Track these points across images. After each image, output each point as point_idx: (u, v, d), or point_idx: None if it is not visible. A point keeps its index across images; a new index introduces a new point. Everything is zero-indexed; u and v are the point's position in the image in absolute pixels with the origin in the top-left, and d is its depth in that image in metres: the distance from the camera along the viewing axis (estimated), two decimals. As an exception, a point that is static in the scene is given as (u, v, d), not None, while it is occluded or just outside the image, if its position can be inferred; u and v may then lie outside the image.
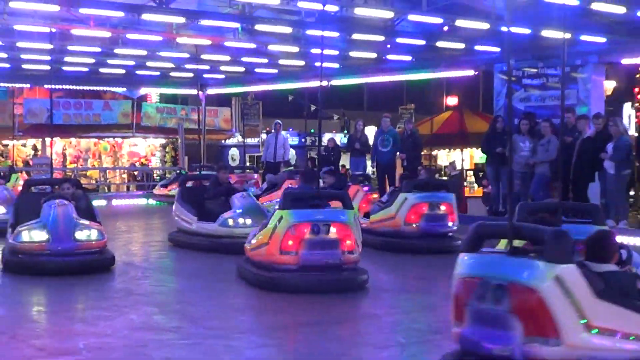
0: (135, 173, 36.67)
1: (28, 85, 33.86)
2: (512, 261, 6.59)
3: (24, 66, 28.81)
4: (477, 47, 23.58)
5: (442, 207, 15.82)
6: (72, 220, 13.17)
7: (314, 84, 31.60)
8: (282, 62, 28.12)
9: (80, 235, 13.12)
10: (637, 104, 25.26)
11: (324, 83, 30.43)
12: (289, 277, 11.42)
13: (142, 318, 10.22)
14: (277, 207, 12.12)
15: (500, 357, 6.43)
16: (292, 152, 35.04)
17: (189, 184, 18.03)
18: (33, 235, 12.92)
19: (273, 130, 26.56)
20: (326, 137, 29.31)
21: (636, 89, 25.91)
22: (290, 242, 11.40)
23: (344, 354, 8.62)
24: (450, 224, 15.78)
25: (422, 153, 25.81)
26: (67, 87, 33.67)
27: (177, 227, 16.80)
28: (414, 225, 15.59)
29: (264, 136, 36.97)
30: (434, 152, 36.11)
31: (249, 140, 38.15)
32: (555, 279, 6.27)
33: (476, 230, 6.99)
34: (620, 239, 16.51)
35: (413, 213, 15.69)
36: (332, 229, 11.52)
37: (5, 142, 36.50)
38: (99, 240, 13.34)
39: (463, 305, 6.65)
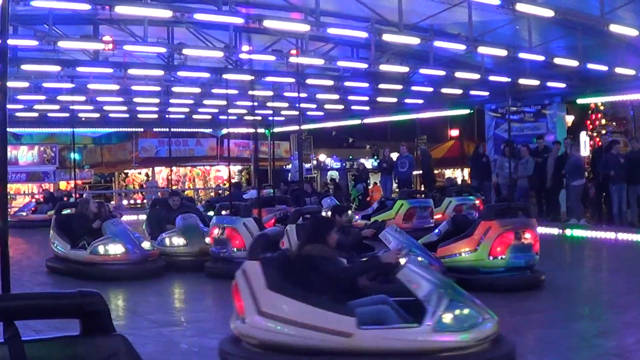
0: (220, 191, 36.87)
1: (141, 129, 34.24)
2: None
3: (139, 115, 29.19)
4: (472, 92, 23.54)
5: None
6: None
7: (351, 122, 31.76)
8: (326, 106, 28.22)
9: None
10: (589, 133, 25.14)
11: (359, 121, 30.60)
12: None
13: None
14: None
15: None
16: (335, 173, 35.06)
17: None
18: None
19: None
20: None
21: (588, 122, 25.82)
22: None
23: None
24: None
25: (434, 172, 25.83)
26: (170, 129, 34.02)
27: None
28: None
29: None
30: (442, 171, 36.00)
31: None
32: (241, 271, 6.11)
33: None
34: (580, 233, 16.45)
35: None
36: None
37: (126, 170, 37.04)
38: None
39: None
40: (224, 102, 26.38)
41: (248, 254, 6.25)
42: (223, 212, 12.67)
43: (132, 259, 11.81)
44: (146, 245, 12.35)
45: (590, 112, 25.67)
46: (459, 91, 23.35)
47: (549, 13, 13.96)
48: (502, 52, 17.17)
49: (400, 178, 22.85)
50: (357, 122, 31.11)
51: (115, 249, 11.75)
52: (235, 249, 11.81)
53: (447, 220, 11.62)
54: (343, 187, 33.09)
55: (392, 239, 9.17)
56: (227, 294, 10.24)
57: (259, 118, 32.12)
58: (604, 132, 24.59)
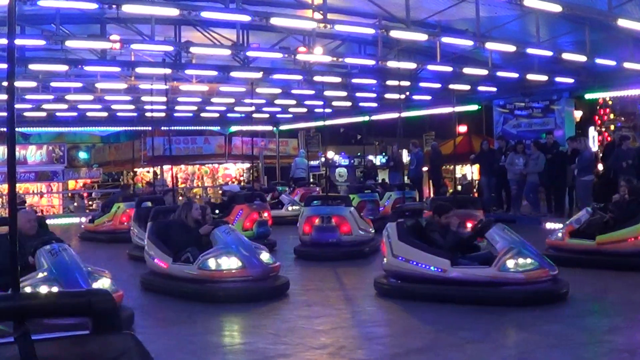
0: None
1: (149, 128, 34.28)
2: None
3: (147, 114, 29.21)
4: (480, 88, 23.51)
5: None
6: None
7: (359, 119, 31.72)
8: (334, 103, 28.20)
9: None
10: (598, 128, 25.12)
11: (365, 118, 30.57)
12: None
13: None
14: None
15: None
16: (343, 170, 35.02)
17: None
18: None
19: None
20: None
21: (596, 117, 25.79)
22: None
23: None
24: None
25: (442, 168, 25.76)
26: (178, 127, 34.11)
27: None
28: None
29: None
30: (450, 167, 35.90)
31: (312, 162, 38.31)
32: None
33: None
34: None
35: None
36: None
37: (134, 169, 37.16)
38: None
39: None
40: (231, 100, 26.52)
41: None
42: (314, 202, 14.41)
43: (250, 275, 9.72)
44: (265, 257, 10.12)
45: (598, 107, 25.63)
46: (467, 87, 23.33)
47: (556, 8, 13.94)
48: (510, 48, 17.14)
49: (409, 176, 22.97)
50: (365, 118, 31.09)
51: (230, 262, 9.67)
52: (342, 235, 13.40)
53: None
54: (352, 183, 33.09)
55: (499, 238, 9.00)
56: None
57: (267, 115, 32.21)
58: (612, 127, 24.52)
